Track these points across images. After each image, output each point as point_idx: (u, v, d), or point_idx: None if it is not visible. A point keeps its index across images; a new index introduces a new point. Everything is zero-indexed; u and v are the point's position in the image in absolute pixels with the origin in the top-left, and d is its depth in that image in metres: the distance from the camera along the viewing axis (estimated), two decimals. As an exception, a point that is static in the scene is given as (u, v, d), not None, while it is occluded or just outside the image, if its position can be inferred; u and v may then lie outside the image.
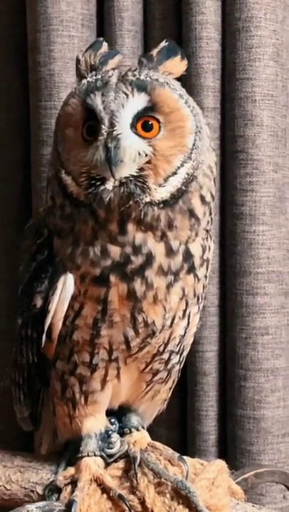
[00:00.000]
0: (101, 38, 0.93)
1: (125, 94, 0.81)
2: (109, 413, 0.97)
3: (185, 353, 0.97)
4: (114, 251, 0.83)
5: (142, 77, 0.83)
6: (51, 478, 0.93)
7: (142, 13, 1.30)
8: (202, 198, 0.86)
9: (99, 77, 0.84)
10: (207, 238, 0.90)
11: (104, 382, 0.91)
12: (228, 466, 0.95)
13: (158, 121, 0.83)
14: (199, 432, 1.29)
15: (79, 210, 0.84)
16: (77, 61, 0.88)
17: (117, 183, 0.81)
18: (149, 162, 0.82)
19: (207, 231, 0.90)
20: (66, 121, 0.87)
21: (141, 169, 0.82)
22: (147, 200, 0.82)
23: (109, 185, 0.81)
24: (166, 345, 0.91)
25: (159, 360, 0.92)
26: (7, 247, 1.38)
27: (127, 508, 0.86)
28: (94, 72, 0.86)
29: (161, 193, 0.83)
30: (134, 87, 0.82)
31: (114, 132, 0.80)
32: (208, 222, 0.89)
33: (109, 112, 0.81)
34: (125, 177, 0.81)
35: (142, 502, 0.87)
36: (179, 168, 0.84)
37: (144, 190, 0.82)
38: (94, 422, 0.94)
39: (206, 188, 0.87)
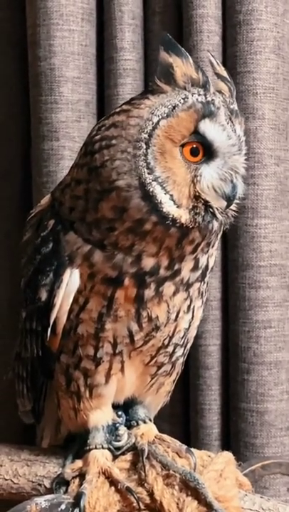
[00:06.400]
0: (169, 37, 0.80)
1: (239, 125, 0.82)
2: (116, 406, 0.96)
3: (189, 346, 0.97)
4: (148, 263, 0.83)
5: (237, 107, 0.84)
6: (58, 472, 0.93)
7: (141, 6, 1.30)
8: None
9: (209, 99, 0.80)
10: None
11: (108, 375, 0.91)
12: (234, 458, 0.95)
13: None
14: (202, 426, 1.28)
15: (165, 228, 0.81)
16: (168, 64, 0.79)
17: (224, 215, 0.83)
18: None
19: None
20: (168, 134, 0.79)
21: None
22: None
23: (219, 216, 0.83)
24: (170, 338, 0.90)
25: (163, 353, 0.92)
26: (8, 243, 1.37)
27: (135, 501, 0.86)
28: (200, 90, 0.80)
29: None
30: (240, 119, 0.83)
31: (238, 169, 0.83)
32: None
33: (235, 144, 0.82)
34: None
35: (151, 494, 0.86)
36: None
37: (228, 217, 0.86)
38: (100, 415, 0.94)
39: None
